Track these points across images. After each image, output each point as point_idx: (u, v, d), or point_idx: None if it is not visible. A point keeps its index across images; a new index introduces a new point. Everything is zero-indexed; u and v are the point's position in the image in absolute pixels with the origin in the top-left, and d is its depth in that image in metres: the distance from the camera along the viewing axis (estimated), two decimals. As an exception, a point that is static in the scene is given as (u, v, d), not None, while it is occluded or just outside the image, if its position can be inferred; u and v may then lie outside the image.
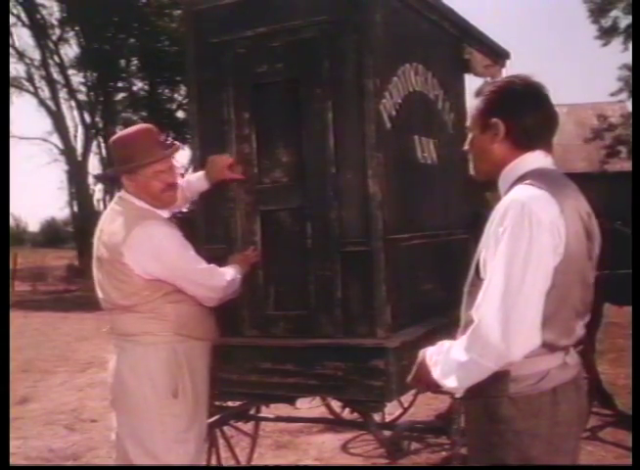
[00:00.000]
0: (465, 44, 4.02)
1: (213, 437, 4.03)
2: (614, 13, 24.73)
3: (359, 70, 3.07)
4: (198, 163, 3.52)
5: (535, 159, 2.03)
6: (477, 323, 1.86)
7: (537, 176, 1.95)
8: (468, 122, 2.21)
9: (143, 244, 3.00)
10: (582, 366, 2.13)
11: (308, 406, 5.52)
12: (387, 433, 3.94)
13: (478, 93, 2.16)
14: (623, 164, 27.09)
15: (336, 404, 4.92)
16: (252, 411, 4.26)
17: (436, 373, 2.00)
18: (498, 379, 1.91)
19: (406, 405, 5.46)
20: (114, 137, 3.29)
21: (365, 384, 3.08)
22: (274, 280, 3.38)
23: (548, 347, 1.91)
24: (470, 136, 2.18)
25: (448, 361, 1.96)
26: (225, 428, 4.28)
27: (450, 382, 1.95)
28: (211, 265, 3.20)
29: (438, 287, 3.76)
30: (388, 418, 5.08)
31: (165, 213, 3.24)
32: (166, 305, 3.09)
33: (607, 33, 25.04)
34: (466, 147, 2.21)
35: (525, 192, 1.90)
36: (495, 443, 1.94)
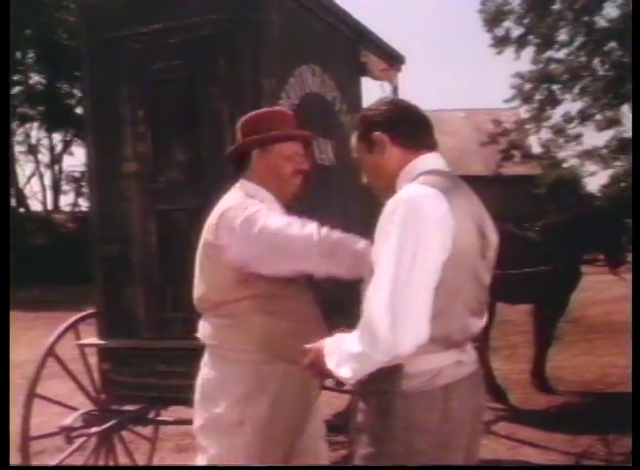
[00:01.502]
0: (361, 47, 4.09)
1: (110, 443, 3.93)
2: (506, 23, 25.63)
3: (256, 69, 3.08)
4: (92, 161, 3.43)
5: (429, 160, 2.09)
6: (366, 316, 1.88)
7: (429, 176, 2.00)
8: (353, 154, 2.25)
9: (239, 220, 2.49)
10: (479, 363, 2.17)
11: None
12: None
13: (353, 127, 2.26)
14: (517, 168, 28.16)
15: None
16: (152, 415, 4.18)
17: (331, 362, 2.01)
18: (392, 375, 1.93)
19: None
20: (249, 115, 2.72)
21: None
22: (171, 281, 3.33)
23: (440, 343, 1.93)
24: (361, 164, 2.23)
25: (342, 352, 1.97)
26: (124, 433, 4.19)
27: (343, 372, 1.96)
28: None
29: (335, 287, 3.80)
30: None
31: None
32: (254, 314, 2.53)
33: (500, 42, 25.85)
34: (364, 180, 2.26)
35: (413, 190, 1.94)
36: (383, 437, 1.96)
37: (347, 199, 4.02)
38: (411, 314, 1.84)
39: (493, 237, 2.09)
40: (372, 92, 4.54)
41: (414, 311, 1.84)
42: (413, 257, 1.84)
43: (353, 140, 2.23)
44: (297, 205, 3.30)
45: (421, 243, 1.85)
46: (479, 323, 2.07)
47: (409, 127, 2.12)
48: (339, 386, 4.48)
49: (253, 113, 2.74)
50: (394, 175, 2.10)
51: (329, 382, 4.43)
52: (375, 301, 1.87)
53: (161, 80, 3.26)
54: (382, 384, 1.96)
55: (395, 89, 4.78)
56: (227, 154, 2.73)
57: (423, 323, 1.85)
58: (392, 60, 4.65)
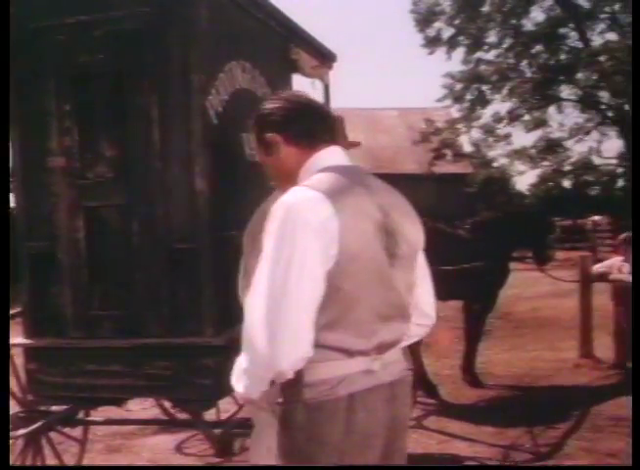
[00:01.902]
0: (292, 44, 4.09)
1: (38, 444, 3.85)
2: (437, 24, 26.07)
3: (185, 64, 3.05)
4: (18, 156, 3.34)
5: (327, 156, 2.01)
6: (245, 331, 1.80)
7: (322, 175, 1.92)
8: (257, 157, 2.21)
9: None
10: (412, 363, 2.09)
11: (140, 408, 5.42)
12: (219, 431, 3.93)
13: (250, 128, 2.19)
14: (449, 167, 28.62)
15: (170, 404, 4.85)
16: (81, 415, 4.11)
17: (232, 380, 1.93)
18: (293, 385, 1.83)
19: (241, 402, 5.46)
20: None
21: (194, 383, 3.07)
22: (99, 279, 3.28)
23: (342, 351, 1.83)
24: (264, 166, 2.17)
25: (235, 369, 1.90)
26: (52, 434, 4.10)
27: (238, 389, 1.89)
28: None
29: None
30: (223, 416, 5.07)
31: None
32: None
33: (431, 43, 26.28)
34: (271, 182, 2.22)
35: (295, 194, 1.85)
36: (288, 449, 1.87)
37: (279, 195, 4.02)
38: (289, 328, 1.75)
39: (409, 232, 1.98)
40: (303, 89, 4.57)
41: (292, 325, 1.75)
42: (287, 268, 1.75)
43: (252, 142, 2.17)
44: (228, 203, 3.31)
45: (296, 253, 1.75)
46: (396, 329, 1.96)
47: (303, 125, 2.03)
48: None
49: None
50: (295, 175, 2.03)
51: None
52: (251, 315, 1.79)
53: (88, 74, 3.19)
54: (285, 393, 1.86)
55: (327, 87, 4.80)
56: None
57: (303, 337, 1.76)
58: (324, 57, 4.67)
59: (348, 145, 3.13)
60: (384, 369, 1.92)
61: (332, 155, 2.03)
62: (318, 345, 1.80)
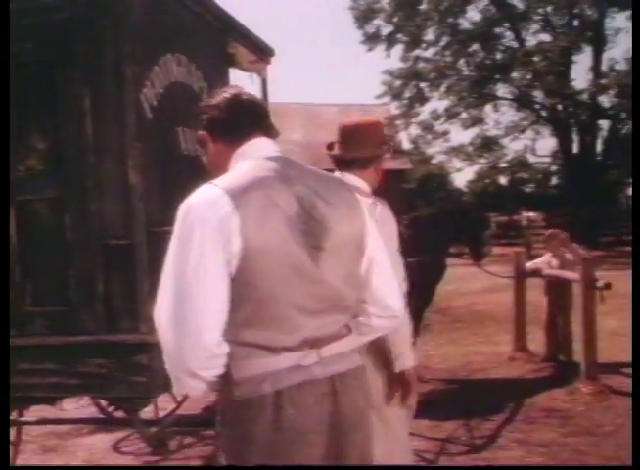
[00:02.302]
0: (229, 38, 4.06)
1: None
2: (376, 21, 26.26)
3: (118, 56, 2.99)
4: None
5: (251, 148, 1.98)
6: (157, 332, 1.80)
7: (236, 170, 1.92)
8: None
9: None
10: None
11: (76, 407, 5.32)
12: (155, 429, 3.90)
13: None
14: (389, 163, 28.77)
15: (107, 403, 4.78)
16: (14, 415, 4.01)
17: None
18: (226, 383, 1.82)
19: (180, 399, 5.43)
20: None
21: (129, 380, 3.03)
22: (31, 275, 3.20)
23: (265, 348, 1.81)
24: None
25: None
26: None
27: (174, 388, 1.90)
28: None
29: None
30: (161, 414, 5.02)
31: None
32: None
33: (370, 40, 26.47)
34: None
35: (197, 192, 1.84)
36: (225, 447, 1.88)
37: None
38: (191, 329, 1.75)
39: (340, 223, 1.93)
40: (241, 83, 4.55)
41: (193, 326, 1.75)
42: (185, 268, 1.75)
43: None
44: (164, 198, 3.27)
45: (193, 252, 1.75)
46: (329, 323, 1.92)
47: (227, 122, 2.01)
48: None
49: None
50: (226, 170, 1.98)
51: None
52: (158, 317, 1.80)
53: (18, 63, 3.10)
54: (219, 391, 1.87)
55: (264, 81, 4.78)
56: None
57: (206, 337, 1.76)
58: (261, 52, 4.66)
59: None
60: (320, 364, 1.88)
61: (254, 147, 1.99)
62: (241, 342, 1.80)
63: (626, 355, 7.18)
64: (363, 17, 26.06)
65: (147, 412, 4.34)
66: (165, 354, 1.80)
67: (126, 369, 3.02)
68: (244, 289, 1.77)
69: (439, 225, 7.13)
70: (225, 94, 2.05)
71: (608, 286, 6.01)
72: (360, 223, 2.00)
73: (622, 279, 12.35)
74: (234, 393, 1.81)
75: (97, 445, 5.31)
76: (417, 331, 7.43)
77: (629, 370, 6.71)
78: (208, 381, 1.82)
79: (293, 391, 1.83)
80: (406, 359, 2.94)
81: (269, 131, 2.05)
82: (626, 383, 6.25)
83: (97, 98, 3.02)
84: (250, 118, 2.03)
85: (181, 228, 1.79)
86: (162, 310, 1.78)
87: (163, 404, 5.05)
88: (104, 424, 5.30)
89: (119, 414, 4.69)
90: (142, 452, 5.02)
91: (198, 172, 3.72)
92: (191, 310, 1.74)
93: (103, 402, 4.79)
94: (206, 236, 1.75)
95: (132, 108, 3.00)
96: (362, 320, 2.03)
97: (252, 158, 1.95)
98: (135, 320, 3.05)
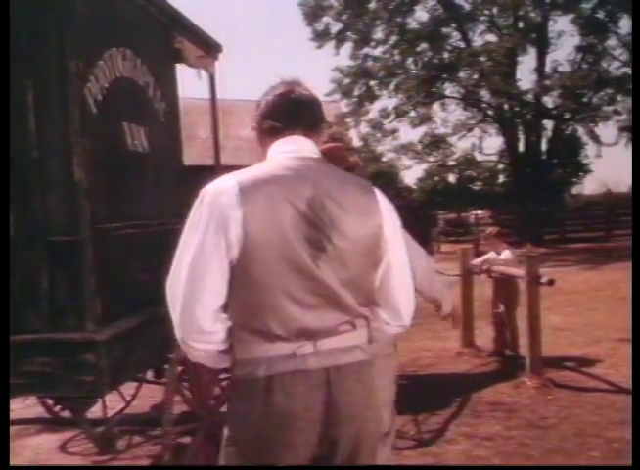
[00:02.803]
0: (175, 33, 4.01)
1: None
2: (325, 18, 26.28)
3: (61, 49, 2.92)
4: None
5: (280, 145, 2.10)
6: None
7: (257, 164, 2.04)
8: None
9: None
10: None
11: (22, 406, 5.22)
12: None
13: None
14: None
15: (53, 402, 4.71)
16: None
17: None
18: (232, 362, 1.99)
19: (129, 399, 5.38)
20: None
21: (75, 379, 2.97)
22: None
23: (261, 335, 1.93)
24: None
25: None
26: None
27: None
28: None
29: (153, 278, 3.73)
30: (110, 413, 4.95)
31: None
32: None
33: (320, 37, 26.49)
34: None
35: (216, 182, 1.97)
36: (226, 421, 2.04)
37: (163, 186, 3.96)
38: (185, 303, 1.91)
39: (351, 227, 1.99)
40: (189, 80, 4.52)
41: (186, 304, 1.91)
42: (187, 251, 1.91)
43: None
44: (110, 194, 3.23)
45: (197, 237, 1.90)
46: (327, 318, 1.98)
47: (264, 117, 2.14)
48: (157, 378, 4.43)
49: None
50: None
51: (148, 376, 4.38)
52: (168, 295, 1.96)
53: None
54: (231, 369, 2.03)
55: (212, 77, 4.75)
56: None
57: (197, 313, 1.91)
58: (209, 47, 4.62)
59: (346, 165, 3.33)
60: (315, 355, 1.95)
61: (283, 145, 2.10)
62: (241, 326, 1.94)
63: (571, 350, 7.42)
64: (312, 14, 26.07)
65: (94, 412, 4.29)
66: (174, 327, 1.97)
67: (72, 368, 2.96)
68: (243, 277, 1.91)
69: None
70: (276, 89, 2.17)
71: (551, 282, 6.12)
72: (375, 229, 2.04)
73: (566, 276, 12.63)
74: (236, 372, 1.97)
75: (43, 445, 5.21)
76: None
77: (572, 364, 6.91)
78: (206, 353, 2.00)
79: (285, 378, 1.93)
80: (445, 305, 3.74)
81: (312, 130, 2.15)
82: (570, 377, 6.43)
83: (40, 93, 2.95)
84: (285, 117, 2.12)
85: (194, 211, 1.94)
86: (167, 284, 1.95)
87: (113, 404, 5.00)
88: (50, 424, 5.22)
89: (66, 414, 4.63)
90: (89, 453, 4.96)
91: (144, 168, 3.71)
92: (187, 288, 1.90)
93: (49, 402, 4.71)
94: (211, 223, 1.89)
95: (76, 103, 2.94)
96: (374, 324, 2.10)
97: (278, 154, 2.08)
98: (81, 318, 2.99)
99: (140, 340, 3.33)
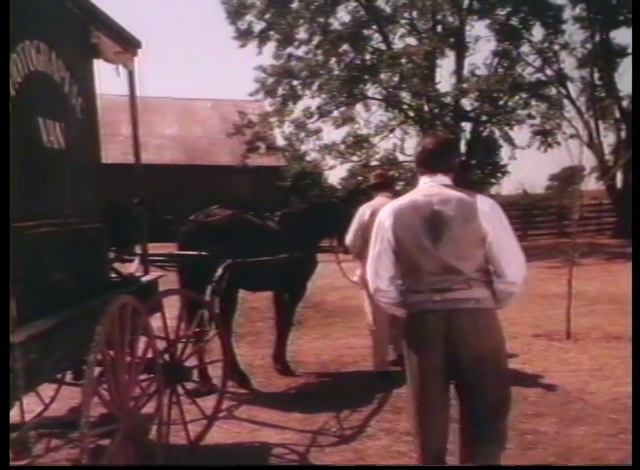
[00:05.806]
0: (92, 28, 3.91)
1: None
2: (248, 17, 26.14)
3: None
4: None
5: (422, 180, 3.53)
6: None
7: (408, 193, 3.55)
8: None
9: None
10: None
11: None
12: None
13: None
14: (263, 159, 28.89)
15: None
16: None
17: None
18: (404, 306, 3.45)
19: (48, 401, 5.24)
20: None
21: (-13, 382, 2.86)
22: None
23: (412, 290, 3.35)
24: None
25: None
26: None
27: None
28: None
29: (71, 276, 3.65)
30: (28, 416, 4.80)
31: None
32: None
33: (243, 36, 26.32)
34: None
35: (390, 204, 3.54)
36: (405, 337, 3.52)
37: (80, 183, 3.87)
38: (371, 275, 3.52)
39: (456, 224, 3.26)
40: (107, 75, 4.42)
41: (373, 274, 3.50)
42: (374, 241, 3.48)
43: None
44: (23, 192, 3.13)
45: (378, 235, 3.46)
46: (445, 280, 3.26)
47: (416, 160, 3.58)
48: (76, 380, 4.32)
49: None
50: None
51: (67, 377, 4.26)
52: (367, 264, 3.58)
53: None
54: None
55: (131, 73, 4.67)
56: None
57: (376, 281, 3.48)
58: (127, 43, 4.53)
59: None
60: (441, 301, 3.25)
61: (423, 179, 3.52)
62: (405, 285, 3.41)
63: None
64: (235, 12, 25.87)
65: (12, 416, 4.15)
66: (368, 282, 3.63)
67: (-16, 370, 2.86)
68: (400, 258, 3.39)
69: (308, 220, 7.23)
70: (423, 140, 3.62)
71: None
72: (475, 225, 3.27)
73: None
74: (407, 311, 3.41)
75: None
76: (289, 326, 7.51)
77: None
78: (385, 304, 3.56)
79: (424, 314, 3.31)
80: None
81: (432, 168, 3.49)
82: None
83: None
84: (418, 161, 3.57)
85: (378, 221, 3.49)
86: (368, 261, 3.56)
87: (32, 406, 4.86)
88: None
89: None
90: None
91: (60, 165, 3.62)
92: (373, 267, 3.49)
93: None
94: (382, 227, 3.43)
95: (-13, 97, 2.84)
96: (483, 285, 3.32)
97: (418, 186, 3.52)
98: (-6, 319, 2.89)
99: (57, 341, 3.24)
